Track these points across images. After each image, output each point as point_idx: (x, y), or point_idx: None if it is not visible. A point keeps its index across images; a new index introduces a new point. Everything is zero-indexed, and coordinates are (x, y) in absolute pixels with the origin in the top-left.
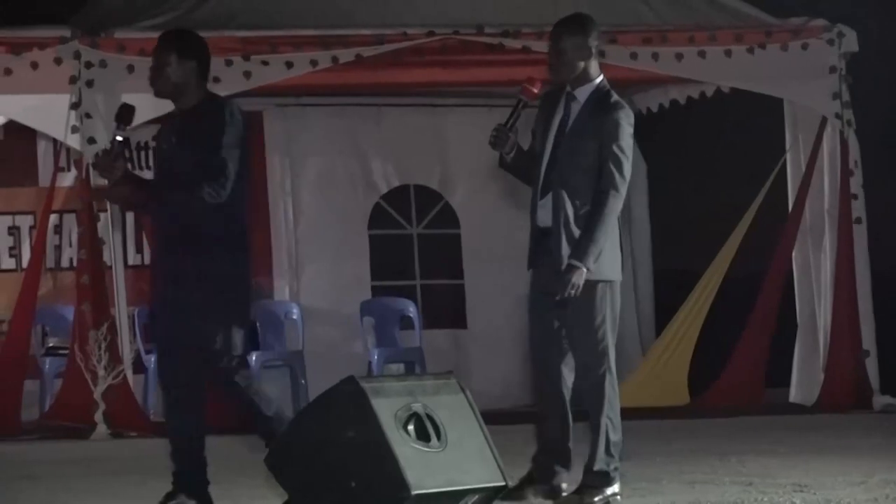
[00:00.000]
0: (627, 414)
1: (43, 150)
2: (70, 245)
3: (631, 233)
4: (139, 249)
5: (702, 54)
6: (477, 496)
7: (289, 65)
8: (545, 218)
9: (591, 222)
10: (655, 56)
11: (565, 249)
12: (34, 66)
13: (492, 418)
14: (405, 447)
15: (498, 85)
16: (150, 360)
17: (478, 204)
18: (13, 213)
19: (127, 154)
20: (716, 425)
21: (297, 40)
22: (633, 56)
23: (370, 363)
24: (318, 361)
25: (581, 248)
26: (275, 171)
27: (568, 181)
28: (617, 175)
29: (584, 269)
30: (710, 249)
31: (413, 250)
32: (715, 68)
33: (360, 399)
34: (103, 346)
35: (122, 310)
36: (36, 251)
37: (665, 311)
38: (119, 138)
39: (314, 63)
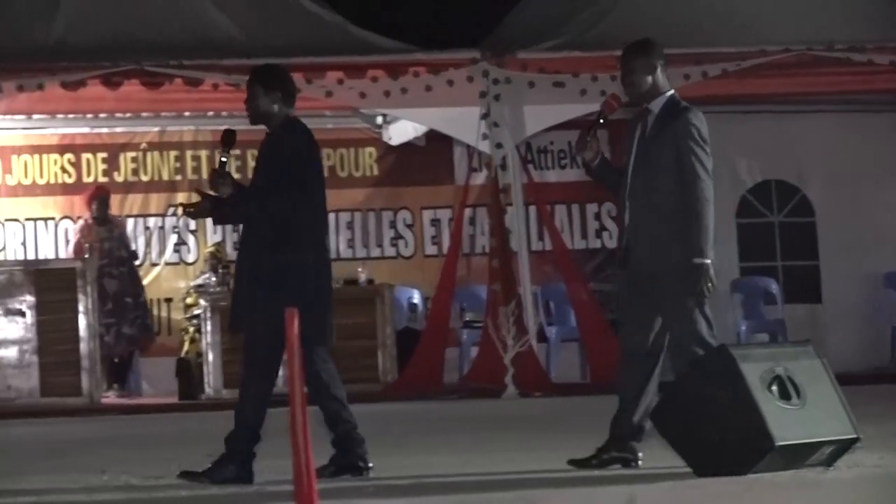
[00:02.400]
0: None
1: (458, 154)
2: (482, 234)
3: None
4: (540, 237)
5: None
6: (832, 447)
7: None
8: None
9: (691, 217)
10: None
11: (645, 246)
12: (450, 83)
13: (844, 380)
14: (769, 405)
15: (846, 94)
16: (552, 331)
17: (832, 196)
18: (435, 208)
19: (229, 170)
20: None
21: (673, 58)
22: None
23: (738, 333)
24: None
25: (695, 244)
26: None
27: (649, 183)
28: (698, 166)
29: (708, 262)
30: None
31: (775, 236)
32: None
33: (731, 364)
34: (511, 319)
35: (527, 289)
36: (454, 239)
37: None
38: (223, 159)
39: (687, 77)
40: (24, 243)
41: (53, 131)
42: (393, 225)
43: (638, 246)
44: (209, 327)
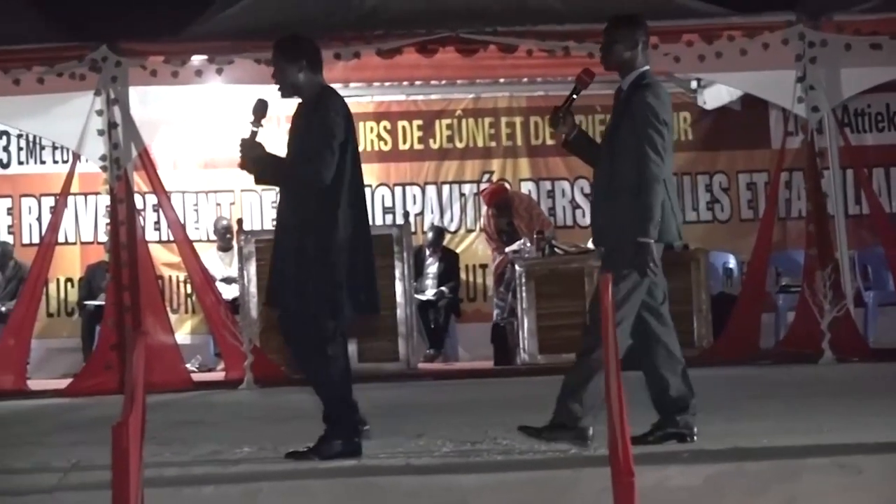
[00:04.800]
0: None
1: (774, 118)
2: (798, 198)
3: None
4: (857, 201)
5: None
6: None
7: None
8: None
9: (639, 195)
10: None
11: (600, 219)
12: (765, 46)
13: None
14: None
15: None
16: (870, 296)
17: None
18: (751, 171)
19: (260, 139)
20: None
21: None
22: None
23: None
24: None
25: (641, 224)
26: None
27: (608, 158)
28: (647, 145)
29: (650, 241)
30: None
31: None
32: None
33: None
34: (828, 283)
35: (843, 253)
36: (770, 203)
37: None
38: (254, 129)
39: None
40: None
41: (370, 99)
42: (709, 189)
43: (596, 221)
44: (524, 293)
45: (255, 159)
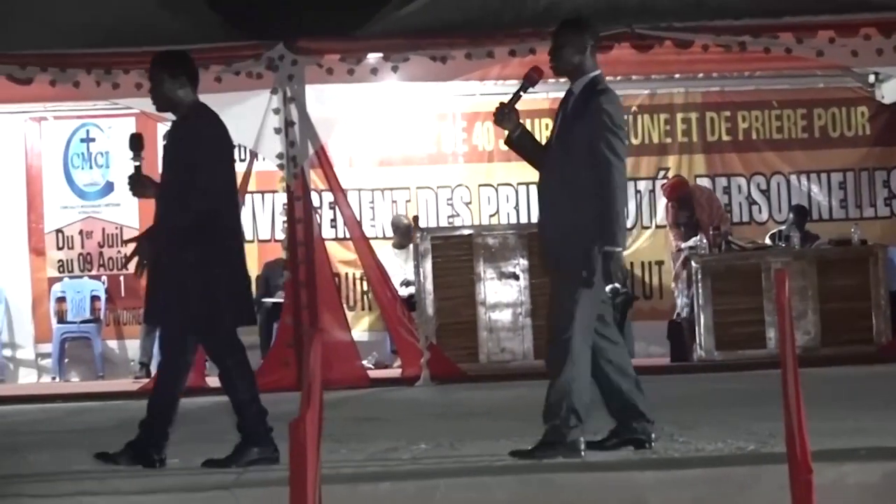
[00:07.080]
0: None
1: None
2: None
3: None
4: None
5: None
6: None
7: None
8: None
9: (601, 204)
10: None
11: (556, 224)
12: None
13: None
14: None
15: None
16: None
17: None
18: None
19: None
20: None
21: None
22: None
23: None
24: None
25: (608, 233)
26: None
27: (564, 163)
28: (608, 150)
29: (619, 249)
30: None
31: None
32: None
33: None
34: None
35: None
36: None
37: None
38: (137, 164)
39: None
40: (516, 207)
41: (544, 96)
42: (886, 184)
43: (550, 224)
44: (700, 289)
45: (147, 192)
